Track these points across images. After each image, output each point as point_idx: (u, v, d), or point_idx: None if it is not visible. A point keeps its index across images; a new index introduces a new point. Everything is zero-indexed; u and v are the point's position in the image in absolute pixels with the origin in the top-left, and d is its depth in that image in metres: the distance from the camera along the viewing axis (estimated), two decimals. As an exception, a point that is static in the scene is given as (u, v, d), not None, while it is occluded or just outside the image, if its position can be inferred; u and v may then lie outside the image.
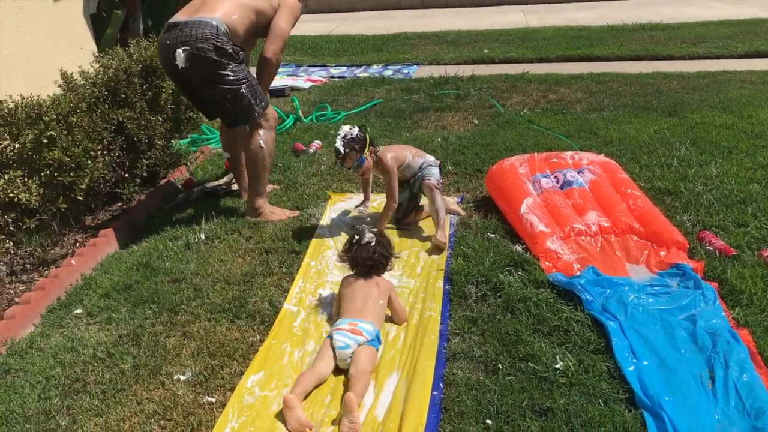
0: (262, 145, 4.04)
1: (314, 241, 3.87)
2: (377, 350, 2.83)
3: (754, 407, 2.38)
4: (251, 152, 4.09)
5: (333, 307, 3.18)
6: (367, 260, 3.12)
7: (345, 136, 3.70)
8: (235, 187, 4.65)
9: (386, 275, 3.21)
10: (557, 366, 2.66)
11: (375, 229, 3.26)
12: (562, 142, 5.24)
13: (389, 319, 3.10)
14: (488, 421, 2.40)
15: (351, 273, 3.19)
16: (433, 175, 3.94)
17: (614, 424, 2.34)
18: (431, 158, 4.07)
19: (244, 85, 3.87)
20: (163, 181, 4.85)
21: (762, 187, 4.16)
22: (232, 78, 3.82)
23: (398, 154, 3.93)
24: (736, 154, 4.78)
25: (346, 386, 2.64)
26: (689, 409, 2.40)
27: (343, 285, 3.12)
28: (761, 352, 2.68)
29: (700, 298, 3.04)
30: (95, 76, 4.37)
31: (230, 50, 3.78)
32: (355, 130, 3.73)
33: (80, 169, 3.90)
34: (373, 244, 3.14)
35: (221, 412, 2.53)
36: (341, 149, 3.69)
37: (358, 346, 2.76)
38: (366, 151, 3.75)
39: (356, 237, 3.18)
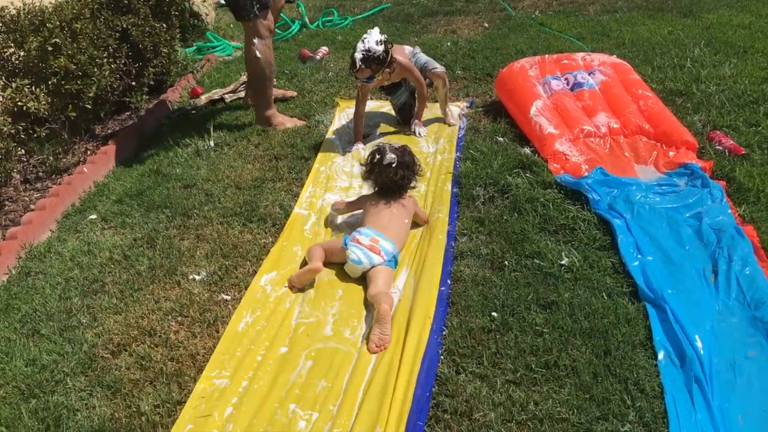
0: (258, 54, 3.97)
1: (323, 147, 3.88)
2: (393, 270, 2.78)
3: (754, 298, 2.44)
4: (249, 64, 4.08)
5: (344, 216, 3.22)
6: (390, 183, 3.02)
7: (368, 50, 3.56)
8: (242, 93, 4.63)
9: None
10: (562, 262, 2.71)
11: (398, 146, 3.10)
12: (574, 45, 5.14)
13: (413, 225, 3.08)
14: (494, 314, 2.47)
15: (372, 193, 3.12)
16: (437, 65, 3.99)
17: (617, 315, 2.41)
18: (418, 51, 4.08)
19: None
20: (170, 90, 4.83)
21: (776, 87, 4.09)
22: None
23: (401, 50, 3.91)
24: (752, 54, 4.68)
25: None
26: (691, 301, 2.46)
27: (367, 202, 3.07)
28: (765, 246, 2.72)
29: (707, 196, 3.06)
30: (97, -18, 4.28)
31: None
32: (381, 48, 3.58)
33: (87, 77, 3.88)
34: (395, 165, 3.00)
35: (236, 308, 2.61)
36: (358, 63, 3.57)
37: (372, 267, 2.72)
38: (380, 73, 3.66)
39: (378, 156, 3.05)
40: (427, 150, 3.80)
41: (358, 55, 3.57)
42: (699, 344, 2.24)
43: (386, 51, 3.62)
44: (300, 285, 2.73)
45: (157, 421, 2.13)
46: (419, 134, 3.95)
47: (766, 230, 2.81)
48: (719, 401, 2.06)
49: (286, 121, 4.20)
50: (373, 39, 3.59)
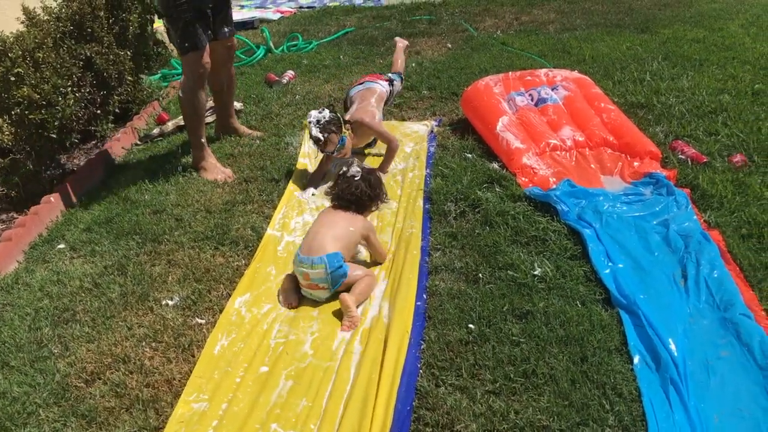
0: (181, 93, 3.85)
1: (297, 170, 3.88)
2: (347, 273, 2.74)
3: (723, 300, 2.49)
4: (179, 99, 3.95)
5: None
6: (347, 194, 2.97)
7: (319, 122, 3.54)
8: (209, 119, 4.61)
9: None
10: (536, 272, 2.74)
11: (367, 166, 3.13)
12: (536, 63, 5.24)
13: (374, 263, 3.01)
14: (471, 326, 2.48)
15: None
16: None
17: (591, 322, 2.44)
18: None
19: (167, 18, 3.70)
20: (136, 117, 4.80)
21: (732, 97, 4.22)
22: (164, 4, 3.64)
23: (366, 109, 3.79)
24: (707, 67, 4.83)
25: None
26: (663, 306, 2.50)
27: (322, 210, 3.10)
28: (731, 250, 2.79)
29: (673, 203, 3.13)
30: (59, 11, 4.26)
31: None
32: (326, 113, 3.57)
33: (51, 107, 3.84)
34: (357, 178, 3.00)
35: (211, 332, 2.59)
36: (320, 136, 3.53)
37: (327, 295, 2.76)
38: (343, 129, 3.61)
39: (344, 168, 3.08)
40: (394, 168, 3.81)
41: (315, 130, 3.53)
42: (673, 347, 2.28)
43: (331, 111, 3.60)
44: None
45: (134, 449, 2.09)
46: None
47: (731, 234, 2.88)
48: (695, 401, 2.10)
49: (212, 172, 3.89)
50: (313, 113, 3.59)
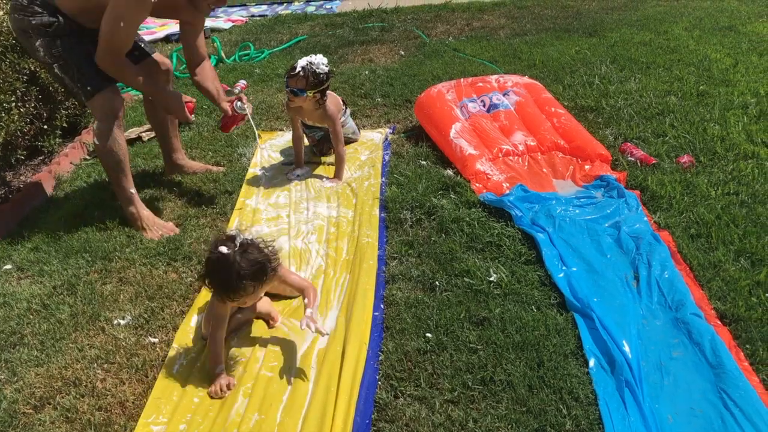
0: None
1: (247, 180, 3.84)
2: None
3: (675, 300, 2.54)
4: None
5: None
6: (219, 284, 2.29)
7: (312, 63, 3.51)
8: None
9: (324, 207, 3.16)
10: (491, 279, 2.76)
11: (249, 239, 2.36)
12: (488, 68, 5.29)
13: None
14: (428, 335, 2.48)
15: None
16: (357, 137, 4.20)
17: (547, 327, 2.46)
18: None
19: (56, 65, 3.18)
20: (84, 132, 4.69)
21: (678, 99, 4.33)
22: (41, 54, 3.17)
23: (336, 101, 3.87)
24: (654, 69, 4.94)
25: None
26: (616, 308, 2.54)
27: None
28: (681, 250, 2.84)
29: (624, 205, 3.18)
30: (0, 24, 4.14)
31: (39, 22, 3.06)
32: (326, 69, 3.55)
33: (-6, 123, 3.73)
34: (231, 260, 2.23)
35: (166, 352, 2.53)
36: (298, 68, 3.50)
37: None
38: (312, 92, 3.56)
39: (212, 242, 2.37)
40: (350, 176, 3.80)
41: (302, 62, 3.51)
42: (627, 349, 2.31)
43: (327, 76, 3.59)
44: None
45: (86, 476, 2.03)
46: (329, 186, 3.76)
47: (680, 234, 2.94)
48: (650, 402, 2.13)
49: (150, 230, 3.38)
50: (320, 59, 3.57)
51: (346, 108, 4.02)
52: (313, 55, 3.58)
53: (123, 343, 2.60)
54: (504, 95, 4.15)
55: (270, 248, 2.38)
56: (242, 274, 2.24)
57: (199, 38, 3.54)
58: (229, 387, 2.34)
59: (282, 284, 2.60)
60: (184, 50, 3.57)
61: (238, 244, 2.27)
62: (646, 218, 3.08)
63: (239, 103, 3.53)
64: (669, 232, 2.97)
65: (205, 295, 2.82)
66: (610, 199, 3.26)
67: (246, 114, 3.58)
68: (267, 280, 2.36)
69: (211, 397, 2.32)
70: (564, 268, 2.78)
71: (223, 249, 2.24)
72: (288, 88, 3.59)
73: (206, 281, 2.32)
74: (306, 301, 2.45)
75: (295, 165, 3.97)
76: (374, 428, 2.12)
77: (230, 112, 3.54)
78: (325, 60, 3.59)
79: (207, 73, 3.55)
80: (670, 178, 3.36)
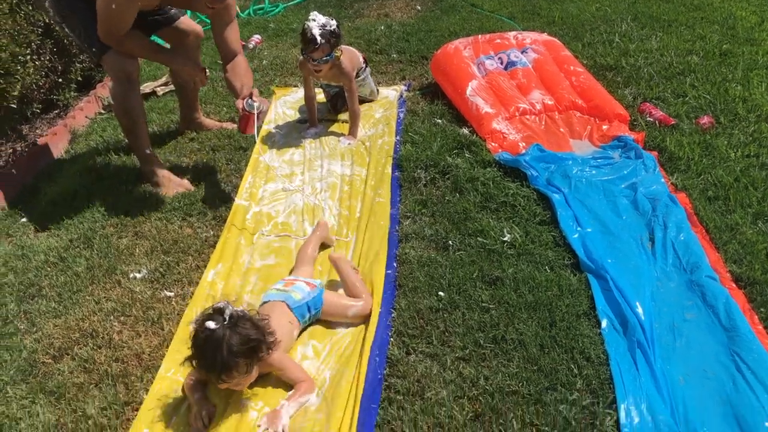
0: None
1: (261, 136, 3.83)
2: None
3: (690, 262, 2.52)
4: None
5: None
6: (214, 365, 1.97)
7: (324, 26, 3.37)
8: (172, 87, 4.51)
9: (338, 165, 3.12)
10: (505, 239, 2.75)
11: (240, 312, 2.05)
12: (506, 25, 5.20)
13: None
14: (441, 293, 2.49)
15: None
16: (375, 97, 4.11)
17: (560, 287, 2.46)
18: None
19: (64, 24, 3.18)
20: (99, 86, 4.68)
21: (700, 58, 4.23)
22: (51, 13, 3.20)
23: (353, 56, 3.79)
24: (676, 27, 4.83)
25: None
26: (630, 270, 2.53)
27: None
28: (697, 212, 2.82)
29: (641, 166, 3.14)
30: (13, -25, 4.10)
31: None
32: (334, 23, 3.43)
33: (10, 75, 3.71)
34: (221, 336, 1.96)
35: (182, 306, 2.56)
36: (318, 38, 3.36)
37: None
38: (338, 51, 3.48)
39: (195, 327, 2.03)
40: (364, 134, 3.77)
41: (317, 31, 3.35)
42: (640, 310, 2.31)
43: (338, 26, 3.48)
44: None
45: (104, 424, 2.07)
46: (346, 145, 3.71)
47: (697, 196, 2.91)
48: (661, 364, 2.13)
49: (165, 186, 3.37)
50: (320, 17, 3.42)
51: (366, 66, 3.96)
52: (312, 17, 3.42)
53: (139, 297, 2.63)
54: (522, 53, 4.08)
55: (265, 322, 2.10)
56: (234, 351, 1.95)
57: (227, 31, 3.31)
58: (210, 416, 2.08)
59: (279, 372, 2.18)
60: (216, 44, 3.38)
61: (227, 317, 1.99)
62: (663, 180, 3.05)
63: (249, 101, 3.19)
64: (686, 194, 2.94)
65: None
66: (628, 160, 3.23)
67: (260, 112, 3.25)
68: (262, 357, 2.06)
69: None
70: (579, 228, 2.77)
71: (211, 324, 1.97)
72: (314, 61, 3.46)
73: (193, 362, 2.03)
74: (291, 393, 2.12)
75: (309, 124, 3.93)
76: (386, 383, 2.14)
77: (240, 111, 3.23)
78: (322, 17, 3.44)
79: (237, 71, 3.30)
80: (689, 140, 3.31)
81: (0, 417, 2.11)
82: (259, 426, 2.01)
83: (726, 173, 3.03)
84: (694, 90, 3.82)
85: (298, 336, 2.38)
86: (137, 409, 2.12)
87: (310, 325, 2.43)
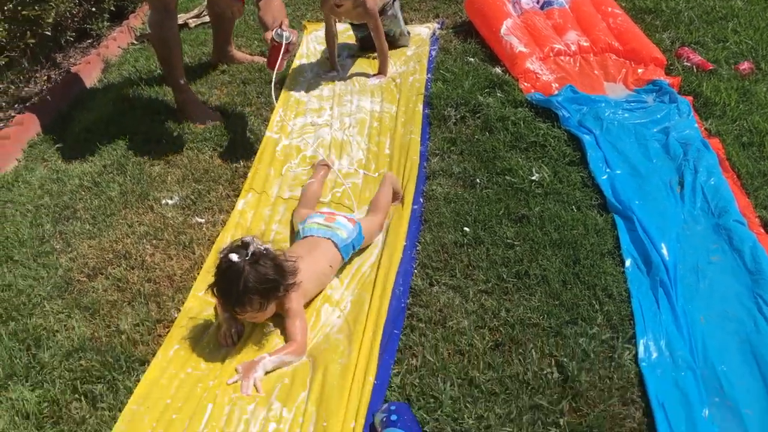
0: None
1: (292, 71, 3.83)
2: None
3: (718, 207, 2.51)
4: None
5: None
6: (229, 296, 2.04)
7: None
8: (206, 18, 4.50)
9: (368, 102, 3.09)
10: (533, 178, 2.75)
11: (263, 247, 2.09)
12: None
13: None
14: (466, 229, 2.51)
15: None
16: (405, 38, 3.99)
17: (585, 226, 2.47)
18: None
19: None
20: (132, 16, 4.69)
21: (744, 3, 4.12)
22: None
23: None
24: (721, -30, 4.66)
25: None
26: (658, 212, 2.53)
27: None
28: (729, 158, 2.79)
29: (675, 111, 3.10)
30: None
31: None
32: None
33: (44, 2, 3.74)
34: (241, 269, 2.00)
35: (212, 232, 2.63)
36: None
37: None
38: None
39: (221, 256, 2.09)
40: (395, 71, 3.75)
41: None
42: (665, 251, 2.31)
43: None
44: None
45: (137, 339, 2.15)
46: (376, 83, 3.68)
47: (731, 142, 2.88)
48: (683, 303, 2.14)
49: (197, 117, 3.38)
50: None
51: (395, 0, 3.90)
52: None
53: (171, 222, 2.69)
54: (559, -8, 4.00)
55: (290, 263, 2.11)
56: (250, 287, 1.99)
57: None
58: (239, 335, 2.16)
59: (284, 315, 2.16)
60: None
61: (250, 253, 2.02)
62: (696, 125, 3.00)
63: (279, 30, 2.97)
64: (719, 140, 2.90)
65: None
66: (661, 104, 3.18)
67: (290, 43, 3.00)
68: (279, 297, 2.09)
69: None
70: (608, 170, 2.75)
71: (234, 257, 2.01)
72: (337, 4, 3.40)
73: (213, 289, 2.09)
74: (278, 348, 2.09)
75: (330, 67, 3.85)
76: (409, 312, 2.19)
77: (269, 42, 3.04)
78: None
79: (270, 5, 3.14)
80: (726, 85, 3.25)
81: (38, 329, 2.20)
82: (236, 371, 2.01)
83: (763, 119, 2.98)
84: (735, 35, 3.72)
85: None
86: (168, 327, 2.21)
87: None
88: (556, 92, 3.29)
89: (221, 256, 2.07)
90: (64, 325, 2.23)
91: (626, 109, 3.18)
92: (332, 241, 2.35)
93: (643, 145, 2.92)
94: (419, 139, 3.10)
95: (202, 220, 2.71)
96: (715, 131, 2.96)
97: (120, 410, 1.90)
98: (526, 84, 3.39)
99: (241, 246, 2.06)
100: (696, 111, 3.12)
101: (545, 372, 1.94)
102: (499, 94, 3.33)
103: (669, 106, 3.14)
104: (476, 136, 3.07)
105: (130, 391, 1.96)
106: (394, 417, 1.74)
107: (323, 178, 2.88)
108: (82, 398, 1.96)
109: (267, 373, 2.02)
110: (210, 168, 3.02)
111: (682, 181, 2.69)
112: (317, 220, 2.44)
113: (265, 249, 2.08)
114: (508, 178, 2.77)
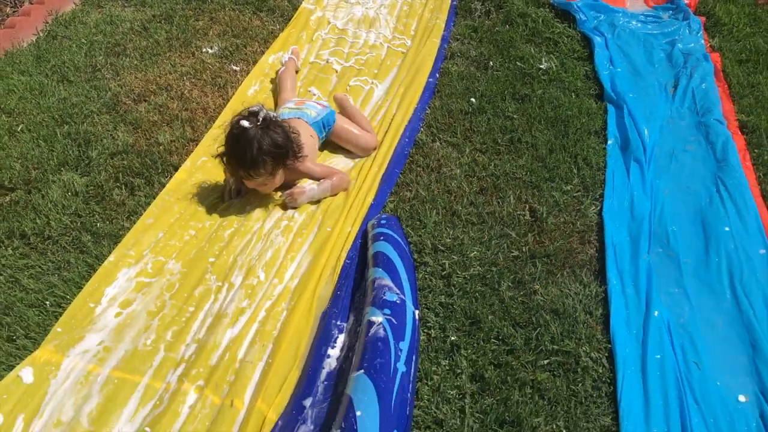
0: None
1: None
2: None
3: (703, 107, 2.76)
4: None
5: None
6: (243, 158, 2.12)
7: None
8: None
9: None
10: (541, 66, 3.00)
11: (272, 116, 2.20)
12: None
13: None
14: (472, 99, 2.79)
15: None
16: None
17: (580, 109, 2.74)
18: None
19: None
20: None
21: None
22: None
23: None
24: None
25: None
26: (648, 105, 2.78)
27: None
28: (725, 69, 3.01)
29: (685, 27, 3.30)
30: None
31: None
32: None
33: None
34: (252, 134, 2.11)
35: (244, 77, 2.92)
36: None
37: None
38: None
39: (234, 119, 2.17)
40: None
41: None
42: (646, 135, 2.57)
43: None
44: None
45: (172, 150, 2.48)
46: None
47: (730, 57, 3.09)
48: (652, 178, 2.42)
49: None
50: None
51: None
52: None
53: (209, 66, 2.98)
54: None
55: (295, 135, 2.23)
56: (263, 149, 2.09)
57: None
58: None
59: (308, 176, 2.36)
60: None
61: (260, 119, 2.13)
62: (703, 41, 3.21)
63: None
64: (720, 54, 3.11)
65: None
66: (675, 20, 3.38)
67: None
68: (287, 164, 2.21)
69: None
70: (611, 67, 2.99)
71: (245, 123, 2.11)
72: None
73: (224, 158, 2.18)
74: (321, 181, 2.32)
75: None
76: (410, 159, 2.49)
77: None
78: None
79: None
80: (739, 11, 3.43)
81: (88, 134, 2.53)
82: (281, 195, 2.27)
83: (765, 42, 3.17)
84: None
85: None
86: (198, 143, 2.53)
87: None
88: (578, -1, 3.50)
89: (231, 124, 2.15)
90: (111, 134, 2.55)
91: (641, 21, 3.39)
92: (302, 119, 2.49)
93: (649, 52, 3.15)
94: (443, 25, 3.34)
95: (237, 68, 3.00)
96: (717, 47, 3.17)
97: (154, 197, 2.25)
98: (549, -13, 3.59)
99: (250, 115, 2.15)
100: (705, 30, 3.32)
101: (518, 213, 2.25)
102: (524, -6, 3.55)
103: (681, 23, 3.34)
104: (497, 28, 3.31)
105: (163, 186, 2.30)
106: (383, 221, 2.07)
107: (293, 65, 2.98)
108: (123, 187, 2.30)
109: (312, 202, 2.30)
110: (249, 27, 3.29)
111: (676, 84, 2.93)
112: (289, 105, 2.61)
113: (274, 116, 2.21)
114: (518, 64, 3.02)
